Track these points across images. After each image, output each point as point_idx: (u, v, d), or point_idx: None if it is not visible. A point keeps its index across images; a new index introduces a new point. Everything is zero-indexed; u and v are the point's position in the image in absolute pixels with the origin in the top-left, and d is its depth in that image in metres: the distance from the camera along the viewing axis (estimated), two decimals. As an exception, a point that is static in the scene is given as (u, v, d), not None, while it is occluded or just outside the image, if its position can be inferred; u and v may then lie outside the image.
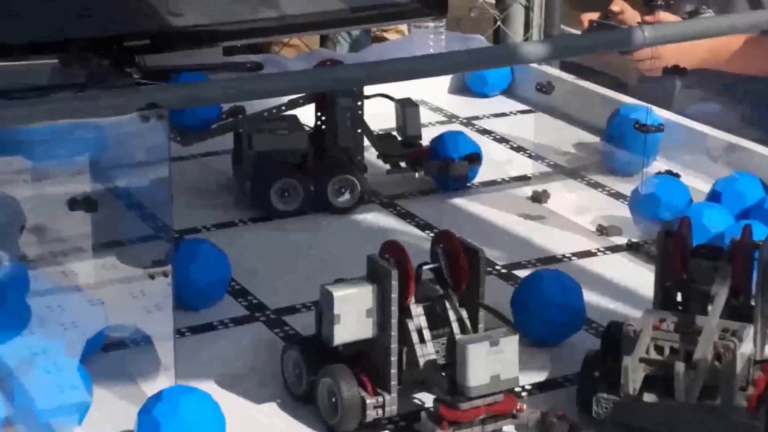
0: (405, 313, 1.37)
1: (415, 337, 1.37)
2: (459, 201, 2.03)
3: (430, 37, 2.64)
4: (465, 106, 2.46)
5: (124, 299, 1.61)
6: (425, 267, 1.41)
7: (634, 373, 1.34)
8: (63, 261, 1.67)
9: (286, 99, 2.01)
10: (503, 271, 1.79)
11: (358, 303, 1.35)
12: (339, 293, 1.35)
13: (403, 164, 2.04)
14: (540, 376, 1.51)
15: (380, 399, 1.35)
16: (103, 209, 1.60)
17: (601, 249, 1.87)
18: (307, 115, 2.03)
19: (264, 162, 1.93)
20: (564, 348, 1.57)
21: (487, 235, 1.89)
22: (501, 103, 2.48)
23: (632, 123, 1.98)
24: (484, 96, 2.50)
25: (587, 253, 1.85)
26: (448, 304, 1.40)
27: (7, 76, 2.10)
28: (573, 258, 1.84)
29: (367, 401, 1.35)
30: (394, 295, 1.35)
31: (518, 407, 1.37)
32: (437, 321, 1.39)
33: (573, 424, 1.37)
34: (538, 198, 2.02)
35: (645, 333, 1.37)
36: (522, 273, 1.78)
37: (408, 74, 1.76)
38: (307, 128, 1.99)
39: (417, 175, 2.05)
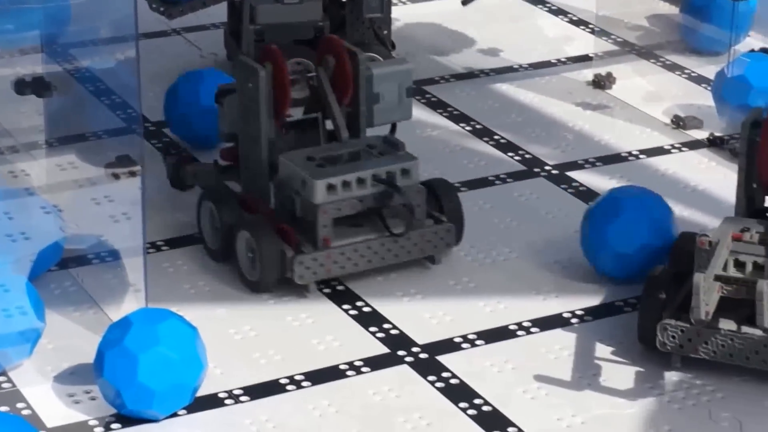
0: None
1: None
2: (503, 87, 1.99)
3: None
4: (514, -30, 2.42)
5: (85, 206, 1.60)
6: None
7: (707, 294, 1.31)
8: (11, 159, 1.66)
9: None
10: (554, 172, 1.76)
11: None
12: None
13: None
14: (593, 300, 1.49)
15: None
16: (60, 95, 1.59)
17: (677, 145, 1.83)
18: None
19: (269, 38, 1.90)
20: (625, 266, 1.56)
21: (537, 129, 1.87)
22: (560, -35, 2.44)
23: (720, -12, 1.93)
24: (539, -42, 2.46)
25: (659, 150, 1.82)
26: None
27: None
28: (642, 156, 1.81)
29: (288, 255, 1.46)
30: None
31: None
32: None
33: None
34: (601, 83, 1.98)
35: (723, 245, 1.35)
36: (578, 175, 1.75)
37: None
38: None
39: None
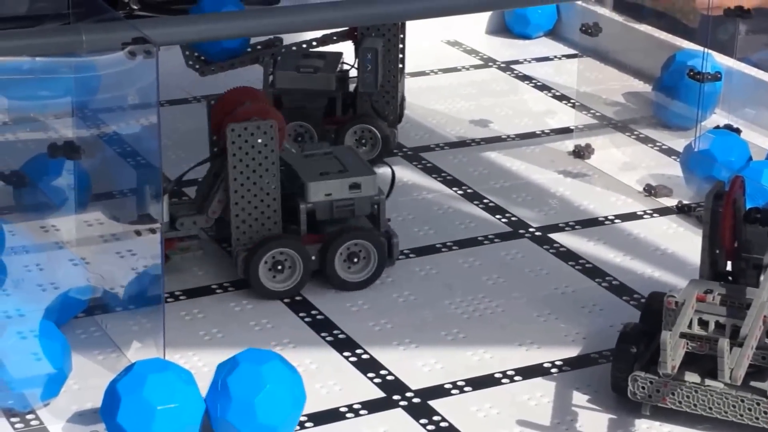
0: None
1: None
2: (492, 155, 2.02)
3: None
4: (504, 48, 2.44)
5: (110, 258, 1.62)
6: None
7: (673, 350, 1.33)
8: (43, 215, 1.68)
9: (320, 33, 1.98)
10: (538, 234, 1.78)
11: None
12: None
13: None
14: (571, 352, 1.51)
15: None
16: (88, 157, 1.61)
17: (648, 211, 1.86)
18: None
19: (287, 102, 1.91)
20: (600, 321, 1.57)
21: (522, 194, 1.89)
22: (544, 45, 2.46)
23: (688, 71, 1.96)
24: (526, 37, 2.48)
25: (632, 216, 1.84)
26: None
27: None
28: (616, 221, 1.83)
29: None
30: None
31: None
32: None
33: None
34: (581, 153, 2.01)
35: (688, 305, 1.37)
36: (559, 237, 1.77)
37: (432, 12, 1.74)
38: (348, 68, 1.96)
39: None
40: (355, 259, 1.57)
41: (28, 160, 1.71)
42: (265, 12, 1.52)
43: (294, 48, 1.97)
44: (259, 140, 1.55)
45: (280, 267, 1.56)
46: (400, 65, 1.97)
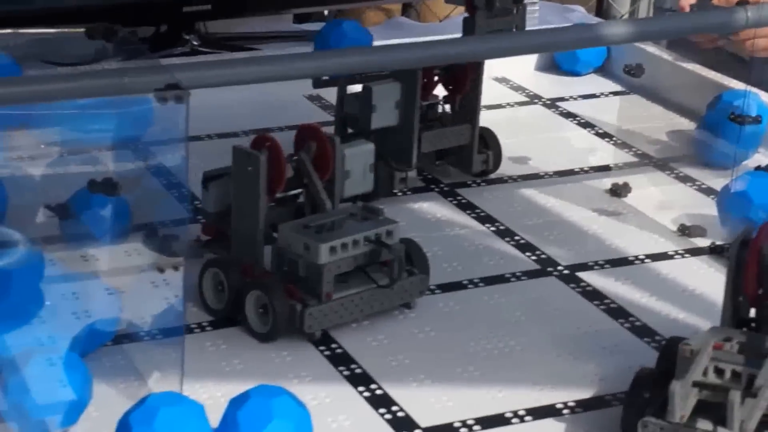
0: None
1: None
2: (528, 192, 1.98)
3: (522, 7, 2.57)
4: (552, 85, 2.40)
5: (143, 288, 1.62)
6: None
7: (683, 399, 1.28)
8: (82, 245, 1.68)
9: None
10: (565, 272, 1.74)
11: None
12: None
13: None
14: (585, 393, 1.46)
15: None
16: (127, 192, 1.61)
17: (680, 251, 1.80)
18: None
19: (349, 127, 1.89)
20: (618, 362, 1.52)
21: (555, 232, 1.84)
22: (592, 83, 2.41)
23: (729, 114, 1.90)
24: (575, 74, 2.44)
25: (663, 256, 1.78)
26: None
27: (40, 44, 2.13)
28: (647, 260, 1.77)
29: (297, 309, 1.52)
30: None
31: None
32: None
33: None
34: (618, 191, 1.96)
35: (703, 354, 1.32)
36: (587, 276, 1.73)
37: (473, 55, 1.71)
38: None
39: None
40: (261, 309, 1.55)
41: (74, 194, 1.71)
42: (295, 57, 1.50)
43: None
44: (249, 168, 1.56)
45: (220, 287, 1.58)
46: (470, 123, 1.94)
